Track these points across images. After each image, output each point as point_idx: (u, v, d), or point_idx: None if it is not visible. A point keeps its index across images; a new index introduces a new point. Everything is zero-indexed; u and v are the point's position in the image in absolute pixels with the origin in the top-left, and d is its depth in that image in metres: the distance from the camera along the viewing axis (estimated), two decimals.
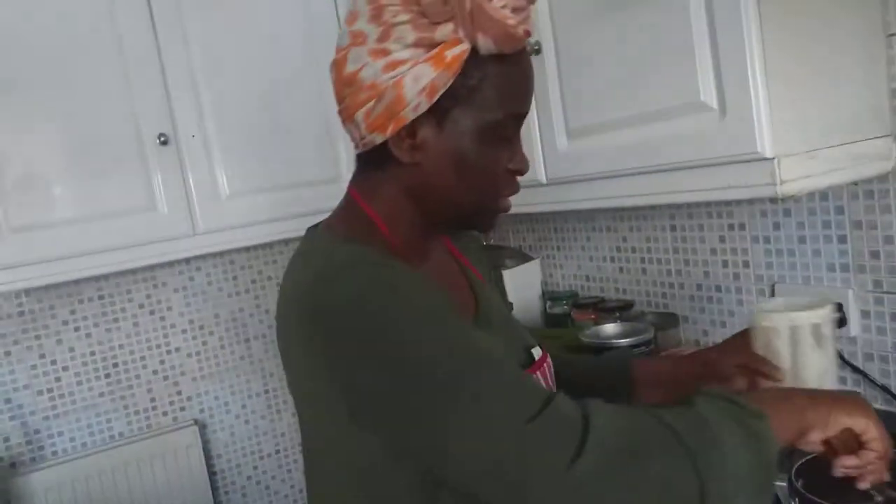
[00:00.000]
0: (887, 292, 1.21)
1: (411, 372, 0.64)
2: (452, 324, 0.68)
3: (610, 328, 1.41)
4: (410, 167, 0.74)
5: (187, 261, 2.23)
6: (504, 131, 0.74)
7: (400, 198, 0.76)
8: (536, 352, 0.86)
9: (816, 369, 0.90)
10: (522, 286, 2.00)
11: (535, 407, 0.62)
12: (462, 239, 0.94)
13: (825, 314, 0.95)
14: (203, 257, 2.23)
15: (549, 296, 1.98)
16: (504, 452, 0.61)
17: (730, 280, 1.49)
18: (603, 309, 1.74)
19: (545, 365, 0.85)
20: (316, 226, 0.82)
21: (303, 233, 0.82)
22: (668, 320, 1.63)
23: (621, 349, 1.30)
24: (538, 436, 0.61)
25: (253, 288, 2.35)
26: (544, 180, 1.35)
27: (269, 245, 2.34)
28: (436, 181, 0.74)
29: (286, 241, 2.35)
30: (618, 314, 1.70)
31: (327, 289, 0.67)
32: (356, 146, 0.77)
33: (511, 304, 1.54)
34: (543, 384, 0.82)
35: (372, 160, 0.76)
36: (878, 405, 1.25)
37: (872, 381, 1.25)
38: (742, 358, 0.92)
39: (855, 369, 1.27)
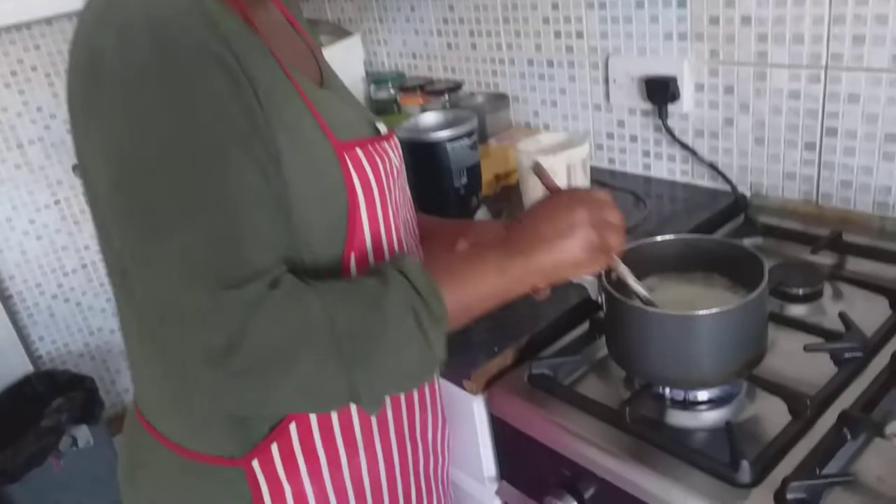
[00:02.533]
0: (723, 62, 1.12)
1: (145, 155, 0.53)
2: (223, 126, 0.55)
3: (430, 118, 1.23)
4: None
5: None
6: None
7: None
8: (382, 127, 0.75)
9: None
10: (342, 67, 1.71)
11: (235, 277, 0.54)
12: (292, 7, 0.79)
13: (587, 148, 1.12)
14: None
15: (372, 77, 1.77)
16: (172, 312, 0.53)
17: (562, 53, 1.34)
18: (431, 91, 1.57)
19: (392, 141, 0.75)
20: None
21: (76, 16, 0.60)
22: (498, 101, 1.50)
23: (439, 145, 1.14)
24: (211, 311, 0.53)
25: (15, 81, 1.94)
26: None
27: (26, 26, 1.89)
28: None
29: (49, 21, 1.91)
30: (446, 97, 1.55)
31: (104, 21, 0.55)
32: None
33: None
34: (395, 156, 0.73)
35: None
36: (704, 182, 1.23)
37: (700, 159, 1.20)
38: None
39: (684, 146, 1.21)
